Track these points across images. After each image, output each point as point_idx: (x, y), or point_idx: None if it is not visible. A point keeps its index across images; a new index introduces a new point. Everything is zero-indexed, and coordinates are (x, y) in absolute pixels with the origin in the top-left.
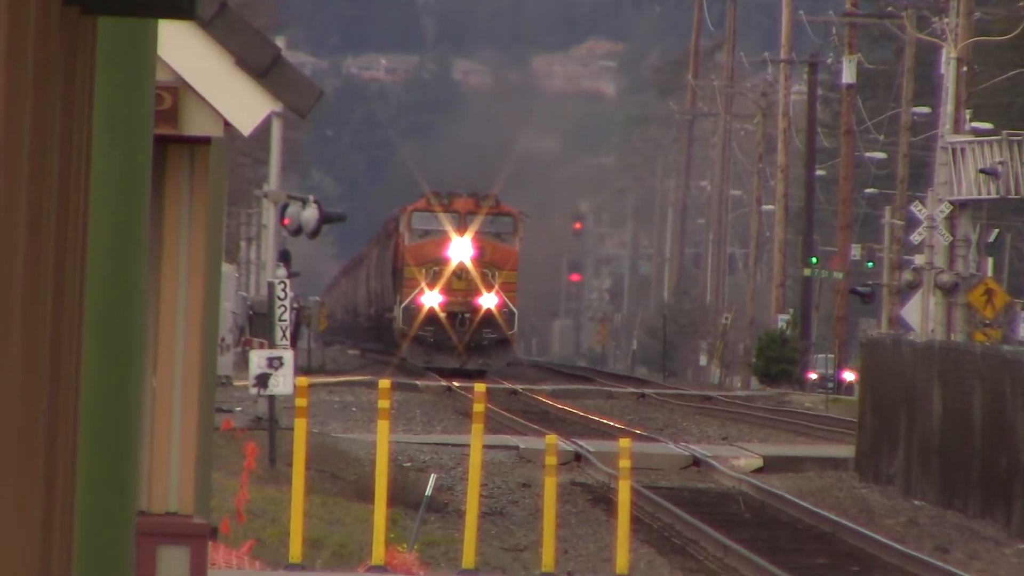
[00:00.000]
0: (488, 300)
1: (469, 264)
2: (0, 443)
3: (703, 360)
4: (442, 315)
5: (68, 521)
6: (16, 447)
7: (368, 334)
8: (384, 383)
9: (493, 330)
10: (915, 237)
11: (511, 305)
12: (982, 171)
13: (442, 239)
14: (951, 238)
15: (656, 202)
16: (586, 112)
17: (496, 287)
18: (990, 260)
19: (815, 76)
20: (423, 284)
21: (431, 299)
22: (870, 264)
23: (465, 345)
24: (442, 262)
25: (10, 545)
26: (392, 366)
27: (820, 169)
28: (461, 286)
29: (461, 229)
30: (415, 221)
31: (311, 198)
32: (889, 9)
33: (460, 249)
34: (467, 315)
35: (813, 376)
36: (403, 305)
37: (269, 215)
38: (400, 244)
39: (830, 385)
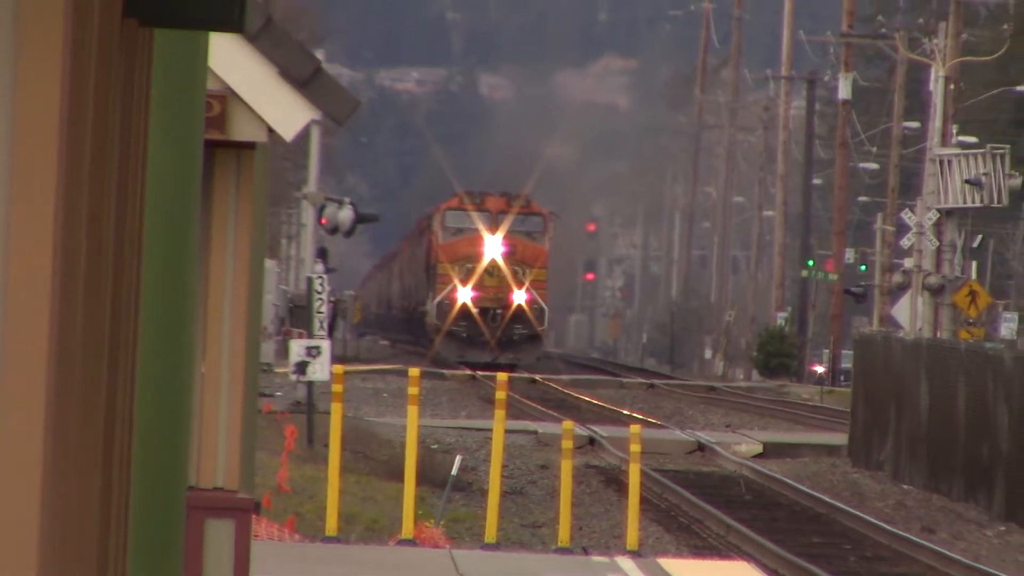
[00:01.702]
0: (519, 296)
1: (500, 261)
2: (63, 424)
3: (708, 354)
4: (474, 311)
5: (125, 494)
6: (78, 427)
7: (400, 326)
8: (414, 371)
9: (524, 326)
10: (905, 242)
11: (541, 302)
12: (967, 181)
13: (474, 237)
14: (938, 243)
15: (665, 207)
16: (602, 123)
17: (527, 284)
18: (974, 264)
19: (813, 92)
20: (456, 280)
21: (464, 295)
22: (863, 267)
23: (496, 340)
24: (475, 259)
25: (71, 516)
26: (425, 358)
27: (817, 178)
28: (493, 283)
29: (493, 227)
30: (448, 219)
31: (347, 200)
32: (883, 30)
33: (492, 247)
34: (498, 311)
35: (819, 369)
36: (436, 301)
37: (308, 215)
38: (434, 241)
39: (821, 378)
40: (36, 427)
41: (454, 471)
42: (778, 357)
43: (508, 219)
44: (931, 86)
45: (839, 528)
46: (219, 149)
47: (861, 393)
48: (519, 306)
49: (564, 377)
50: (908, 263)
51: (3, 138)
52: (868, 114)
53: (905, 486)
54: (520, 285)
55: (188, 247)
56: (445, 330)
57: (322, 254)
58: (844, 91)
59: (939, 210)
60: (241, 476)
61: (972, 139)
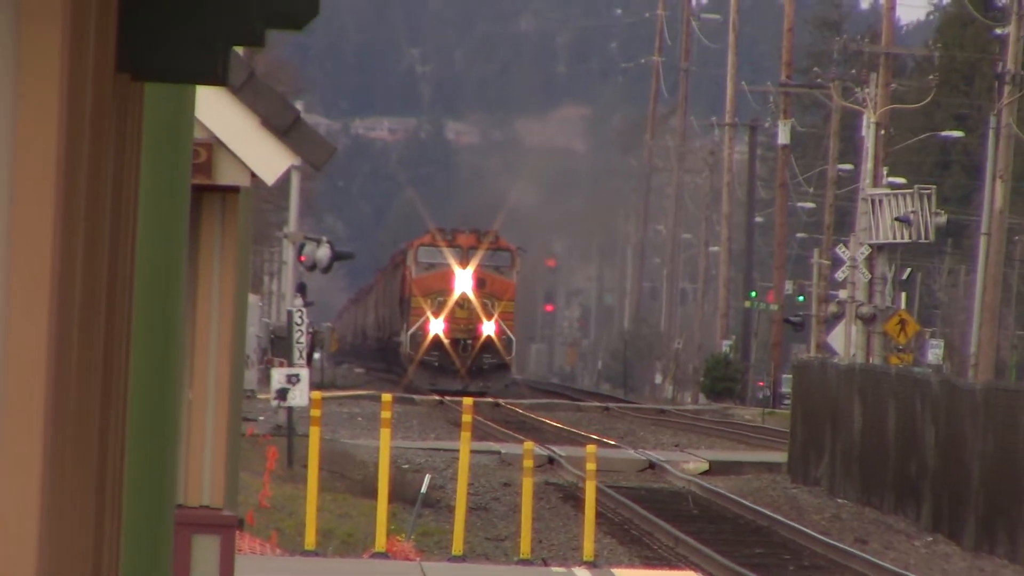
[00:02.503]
0: (488, 328)
1: (471, 294)
2: (60, 446)
3: (658, 379)
4: (446, 341)
5: (117, 512)
6: (72, 450)
7: (375, 355)
8: (386, 397)
9: (493, 355)
10: (840, 275)
11: (509, 332)
12: (897, 219)
13: (446, 271)
14: (870, 276)
15: (618, 243)
16: (560, 166)
17: (496, 316)
18: (903, 295)
19: (755, 137)
20: (428, 313)
21: (436, 326)
22: (801, 298)
23: (467, 369)
24: (446, 292)
25: (68, 532)
26: (398, 384)
27: (759, 216)
28: (463, 315)
29: (464, 262)
30: (421, 255)
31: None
32: (818, 80)
33: (463, 280)
34: (469, 341)
35: (761, 385)
36: (410, 332)
37: (288, 253)
38: (407, 276)
39: (761, 397)
40: (35, 450)
41: (423, 489)
42: (723, 382)
43: (478, 254)
44: (863, 131)
45: (779, 539)
46: (206, 193)
47: (799, 414)
48: (488, 337)
49: (525, 401)
50: (843, 294)
51: (5, 183)
52: (806, 157)
53: (840, 500)
54: (489, 317)
55: (176, 283)
56: (418, 360)
57: (301, 289)
58: (783, 136)
59: (871, 245)
60: (226, 494)
61: (901, 180)
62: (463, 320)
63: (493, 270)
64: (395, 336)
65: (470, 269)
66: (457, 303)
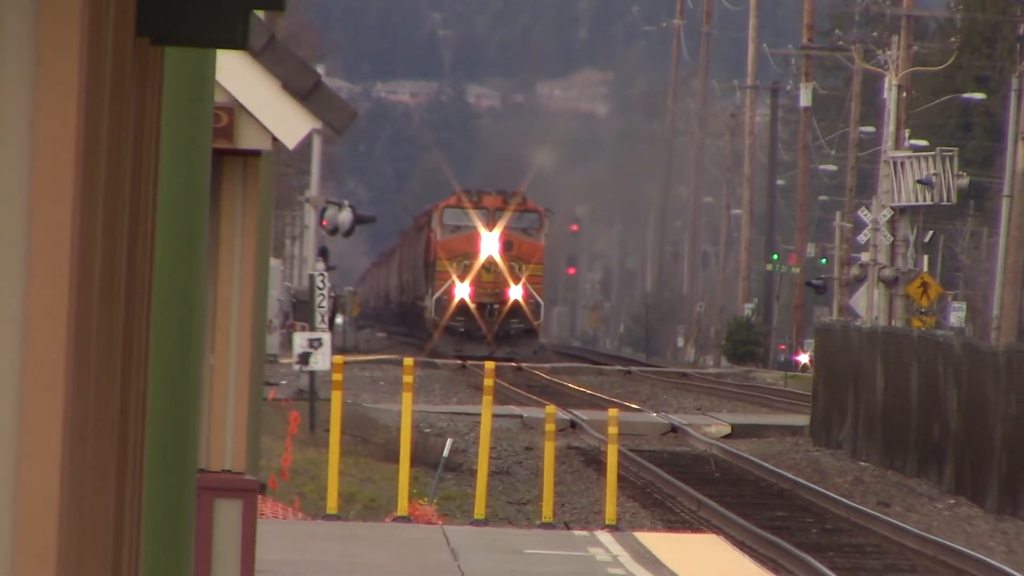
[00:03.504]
0: (515, 292)
1: (498, 258)
2: (80, 412)
3: (680, 342)
4: (472, 306)
5: (139, 476)
6: (93, 414)
7: (398, 319)
8: (408, 361)
9: (520, 320)
10: (862, 238)
11: (537, 296)
12: (919, 181)
13: (472, 234)
14: (892, 238)
15: (640, 207)
16: (582, 130)
17: (523, 279)
18: (925, 257)
19: (776, 100)
20: (454, 277)
21: (461, 291)
22: (823, 260)
23: (494, 335)
24: (472, 256)
25: (89, 496)
26: (422, 350)
27: (780, 179)
28: (490, 279)
29: (490, 224)
30: (446, 217)
31: (346, 203)
32: (840, 43)
33: (489, 243)
34: (496, 306)
35: (782, 348)
36: (435, 297)
37: (310, 217)
38: (432, 239)
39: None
40: (56, 415)
41: (445, 453)
42: (745, 345)
43: (505, 216)
44: (885, 94)
45: (801, 502)
46: (227, 157)
47: (822, 377)
48: (516, 301)
49: (547, 365)
50: (865, 257)
51: (24, 150)
52: (827, 120)
53: (862, 463)
54: (517, 280)
55: (197, 248)
56: (443, 325)
57: (323, 253)
58: (805, 99)
59: (893, 208)
60: (248, 459)
61: (923, 142)
62: (490, 284)
63: (521, 232)
64: (419, 300)
65: (497, 231)
66: (483, 266)
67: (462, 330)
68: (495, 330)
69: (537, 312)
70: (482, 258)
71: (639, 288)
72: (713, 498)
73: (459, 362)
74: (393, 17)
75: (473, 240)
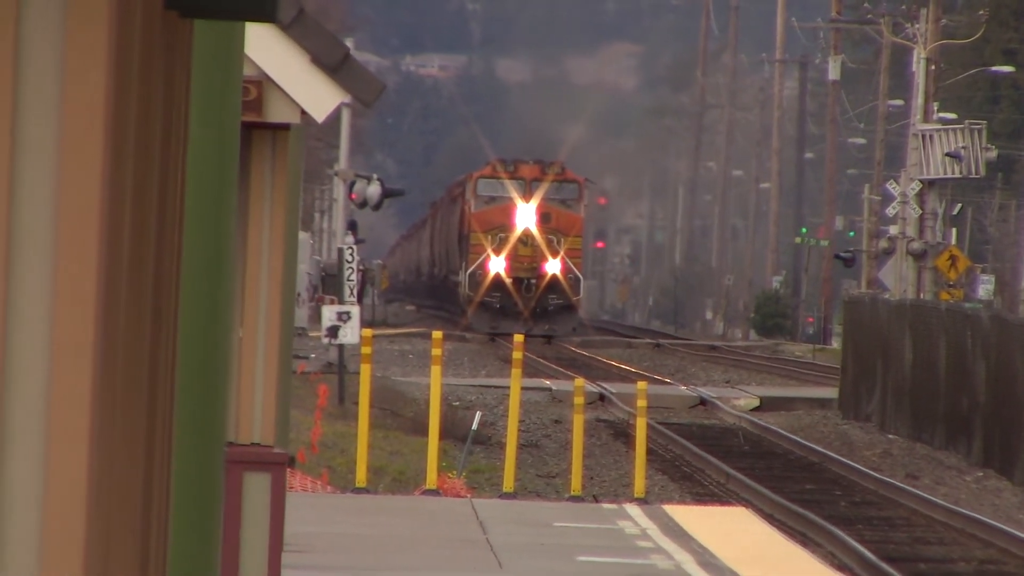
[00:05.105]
0: (553, 266)
1: (535, 230)
2: (109, 386)
3: (709, 315)
4: (508, 281)
5: (167, 451)
6: (122, 387)
7: (429, 293)
8: (437, 334)
9: (559, 296)
10: (890, 210)
11: (576, 271)
12: (947, 154)
13: (508, 205)
14: (921, 211)
15: (669, 180)
16: (610, 103)
17: (561, 253)
18: (954, 230)
19: (805, 73)
20: (489, 250)
21: (497, 265)
22: (851, 233)
23: (531, 311)
24: (508, 228)
25: (118, 469)
26: (456, 325)
27: (809, 152)
28: (527, 252)
29: (527, 195)
30: (481, 188)
31: (375, 176)
32: (869, 16)
33: (526, 215)
34: (533, 281)
35: (810, 321)
36: (469, 271)
37: (339, 190)
38: (466, 210)
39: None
40: (84, 387)
41: (474, 426)
42: (773, 318)
43: (543, 187)
44: (914, 67)
45: (830, 475)
46: (256, 131)
47: (850, 350)
48: (553, 276)
49: (576, 338)
50: (893, 230)
51: (52, 124)
52: (856, 93)
53: (891, 436)
54: (555, 254)
55: (227, 221)
56: (477, 301)
57: (352, 226)
58: (833, 72)
59: (922, 181)
60: (276, 432)
61: (951, 115)
62: (526, 258)
63: (559, 203)
64: (452, 275)
65: (534, 203)
66: (520, 239)
67: (497, 306)
68: (532, 306)
69: (576, 287)
70: (518, 231)
71: (668, 261)
72: (742, 471)
73: (488, 335)
74: None
75: (509, 212)
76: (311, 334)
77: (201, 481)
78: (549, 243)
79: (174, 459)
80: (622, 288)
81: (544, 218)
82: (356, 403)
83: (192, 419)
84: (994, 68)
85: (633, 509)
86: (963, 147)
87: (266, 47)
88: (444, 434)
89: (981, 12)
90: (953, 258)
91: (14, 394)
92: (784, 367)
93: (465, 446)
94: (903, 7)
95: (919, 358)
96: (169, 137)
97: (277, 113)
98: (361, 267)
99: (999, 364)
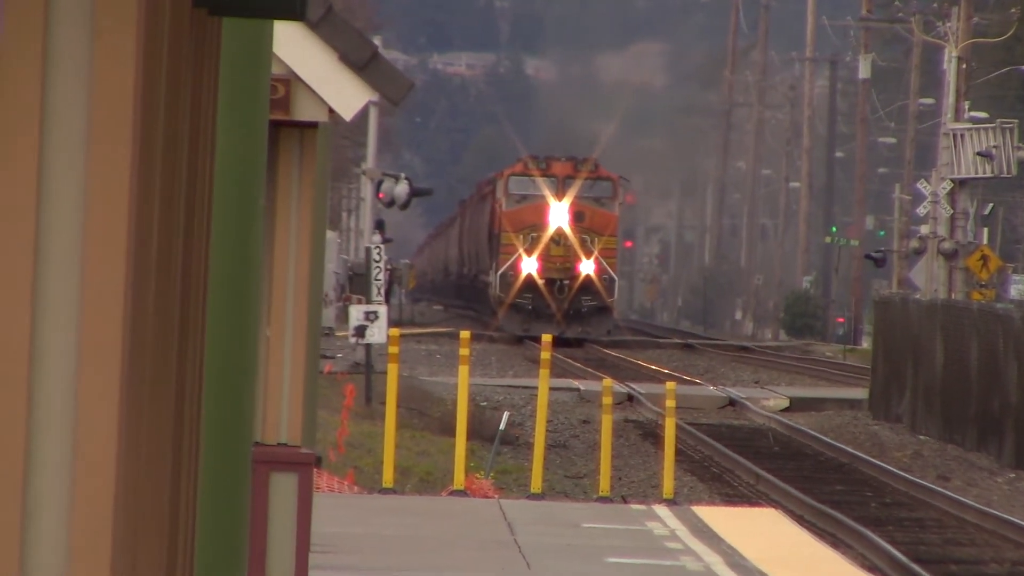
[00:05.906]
0: (587, 267)
1: (568, 230)
2: (137, 386)
3: (738, 315)
4: (540, 282)
5: (194, 449)
6: (150, 387)
7: (458, 293)
8: (465, 334)
9: (593, 297)
10: (921, 210)
11: (611, 271)
12: (979, 154)
13: (540, 204)
14: (952, 211)
15: (698, 179)
16: (639, 102)
17: (595, 253)
18: (985, 230)
19: (835, 72)
20: (520, 250)
21: (528, 266)
22: (882, 233)
23: (564, 313)
24: (540, 228)
25: (145, 466)
26: (487, 326)
27: (839, 151)
28: (559, 252)
29: (559, 194)
30: (512, 186)
31: (402, 175)
32: (899, 14)
33: (558, 214)
34: (566, 282)
35: (841, 321)
36: (500, 272)
37: (366, 189)
38: (497, 209)
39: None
40: (112, 389)
41: (502, 426)
42: (803, 318)
43: (576, 185)
44: (944, 66)
45: (861, 476)
46: (283, 129)
47: (881, 351)
48: (587, 276)
49: (604, 338)
50: (924, 230)
51: (81, 122)
52: (886, 92)
53: (922, 437)
54: (588, 254)
55: (254, 220)
56: (509, 302)
57: (379, 225)
58: (864, 71)
59: (953, 180)
60: (303, 432)
61: (983, 114)
62: (559, 258)
63: (593, 202)
64: (482, 275)
65: (566, 201)
66: (552, 239)
67: (529, 308)
68: (565, 308)
69: (611, 288)
70: (551, 230)
71: (697, 261)
72: (771, 472)
73: (516, 335)
74: None
75: (541, 211)
76: (338, 334)
77: (228, 481)
78: (583, 243)
79: (201, 459)
80: (651, 288)
81: (577, 217)
82: (383, 403)
83: (219, 419)
84: None
85: (662, 510)
86: (994, 146)
87: (294, 45)
88: (472, 434)
89: (1013, 10)
90: (984, 258)
91: (43, 395)
92: (814, 367)
93: (493, 446)
94: (934, 5)
95: (950, 358)
96: (197, 135)
97: (305, 111)
98: (389, 266)
99: None
